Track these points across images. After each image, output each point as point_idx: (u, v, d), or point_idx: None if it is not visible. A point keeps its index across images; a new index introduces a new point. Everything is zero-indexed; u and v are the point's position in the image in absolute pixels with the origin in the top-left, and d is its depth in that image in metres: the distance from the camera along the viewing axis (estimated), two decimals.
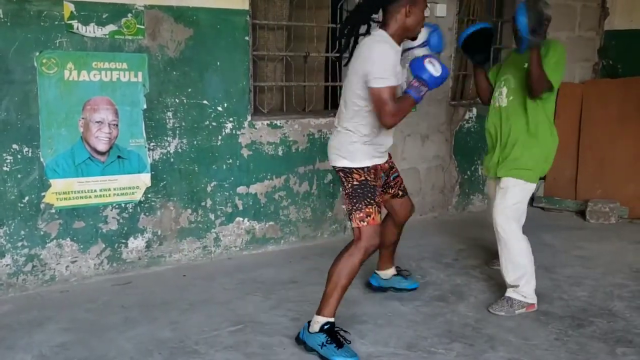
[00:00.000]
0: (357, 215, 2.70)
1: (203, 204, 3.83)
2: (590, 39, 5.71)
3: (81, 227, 3.46)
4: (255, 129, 3.93)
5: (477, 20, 4.96)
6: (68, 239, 3.43)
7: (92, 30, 3.29)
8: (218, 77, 3.73)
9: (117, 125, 3.45)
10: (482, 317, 3.10)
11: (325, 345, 2.62)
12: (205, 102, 3.72)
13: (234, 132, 3.85)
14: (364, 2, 2.75)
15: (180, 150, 3.69)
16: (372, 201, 2.71)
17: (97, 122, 3.39)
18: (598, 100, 5.20)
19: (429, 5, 4.34)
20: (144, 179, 3.60)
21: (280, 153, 4.05)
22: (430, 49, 3.04)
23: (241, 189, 3.95)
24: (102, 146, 3.43)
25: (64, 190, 3.36)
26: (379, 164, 2.85)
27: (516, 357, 2.70)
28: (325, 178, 4.28)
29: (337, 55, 4.24)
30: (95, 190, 3.46)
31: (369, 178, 2.73)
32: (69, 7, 3.21)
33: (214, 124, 3.77)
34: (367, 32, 2.72)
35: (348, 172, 2.74)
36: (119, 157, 3.49)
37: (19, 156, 3.23)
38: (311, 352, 2.67)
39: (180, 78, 3.61)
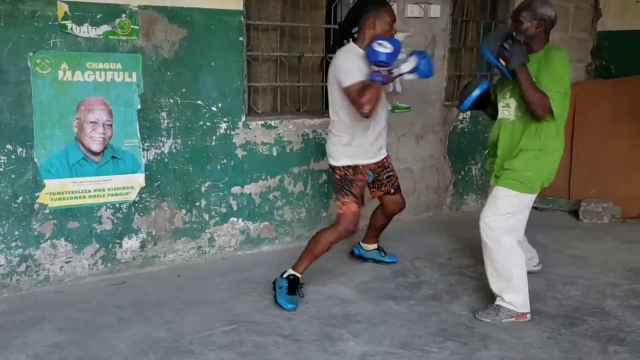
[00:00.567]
0: (337, 203, 3.26)
1: (197, 204, 3.83)
2: (583, 39, 5.74)
3: (75, 227, 3.45)
4: (250, 129, 3.94)
5: (471, 21, 4.99)
6: (62, 239, 3.43)
7: (86, 31, 3.29)
8: (212, 77, 3.73)
9: (111, 125, 3.45)
10: None
11: (281, 288, 3.19)
12: (199, 102, 3.72)
13: (228, 132, 3.85)
14: (344, 21, 3.22)
15: (174, 150, 3.69)
16: (348, 192, 3.21)
17: (91, 122, 3.39)
18: (591, 100, 5.22)
19: (423, 6, 4.37)
20: (138, 179, 3.60)
21: (274, 153, 4.06)
22: (420, 75, 3.20)
23: (235, 189, 3.95)
24: (96, 146, 3.43)
25: (58, 191, 3.36)
26: (362, 164, 3.25)
27: (509, 355, 2.72)
28: (319, 178, 4.28)
29: (333, 56, 4.25)
30: (89, 191, 3.45)
31: (347, 174, 3.22)
32: (62, 8, 3.21)
33: (208, 124, 3.77)
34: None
35: (332, 168, 3.27)
36: (113, 157, 3.49)
37: (12, 156, 3.22)
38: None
39: (174, 78, 3.61)
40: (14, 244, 3.30)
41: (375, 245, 3.86)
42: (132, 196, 3.60)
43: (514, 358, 2.69)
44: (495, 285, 3.08)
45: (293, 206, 4.21)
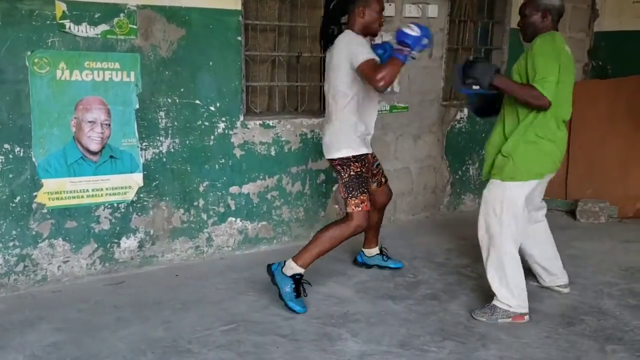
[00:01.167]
0: (353, 202, 3.14)
1: (195, 203, 3.83)
2: (580, 40, 5.75)
3: (73, 227, 3.45)
4: (248, 128, 3.93)
5: (468, 21, 5.00)
6: (60, 238, 3.42)
7: (84, 30, 3.29)
8: (210, 77, 3.73)
9: (109, 125, 3.45)
10: None
11: (287, 291, 3.11)
12: (197, 102, 3.72)
13: (226, 132, 3.85)
14: (331, 9, 3.23)
15: (172, 150, 3.69)
16: (365, 190, 3.16)
17: (89, 121, 3.38)
18: (588, 100, 5.23)
19: (420, 6, 4.38)
20: (137, 179, 3.59)
21: (272, 153, 4.06)
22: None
23: (234, 189, 3.95)
24: (94, 146, 3.43)
25: (56, 190, 3.35)
26: (369, 154, 3.23)
27: (508, 354, 2.72)
28: (317, 178, 4.29)
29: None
30: (87, 190, 3.45)
31: (362, 169, 3.15)
32: (61, 7, 3.20)
33: (206, 123, 3.77)
34: (339, 33, 3.17)
35: (343, 167, 3.15)
36: (111, 156, 3.48)
37: (10, 156, 3.21)
38: (275, 285, 3.15)
39: (172, 78, 3.61)
40: (11, 244, 3.29)
41: (377, 250, 3.77)
42: (130, 196, 3.59)
43: (512, 357, 2.70)
44: (492, 284, 3.08)
45: (291, 206, 4.21)
